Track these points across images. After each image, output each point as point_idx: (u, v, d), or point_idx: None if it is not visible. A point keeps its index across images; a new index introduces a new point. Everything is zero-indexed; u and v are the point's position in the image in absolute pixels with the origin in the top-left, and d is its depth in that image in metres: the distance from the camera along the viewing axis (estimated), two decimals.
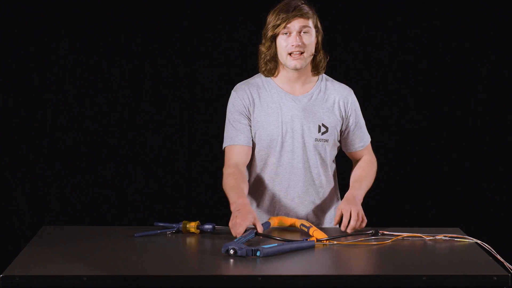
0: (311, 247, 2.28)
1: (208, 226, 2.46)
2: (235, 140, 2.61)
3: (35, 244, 2.29)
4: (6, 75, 3.78)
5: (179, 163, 3.93)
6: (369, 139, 2.75)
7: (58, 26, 3.78)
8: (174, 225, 2.46)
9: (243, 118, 2.63)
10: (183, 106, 3.90)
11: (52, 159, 3.85)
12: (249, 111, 2.63)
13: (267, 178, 2.66)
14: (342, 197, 2.67)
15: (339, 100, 2.66)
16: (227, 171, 2.58)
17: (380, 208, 3.95)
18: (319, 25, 2.61)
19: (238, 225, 2.33)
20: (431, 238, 2.36)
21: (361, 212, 2.48)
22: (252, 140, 2.65)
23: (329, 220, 2.72)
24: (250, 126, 2.63)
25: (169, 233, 2.45)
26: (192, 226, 2.45)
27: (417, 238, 2.36)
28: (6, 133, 3.80)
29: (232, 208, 2.43)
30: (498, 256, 2.20)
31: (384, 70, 3.93)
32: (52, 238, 2.37)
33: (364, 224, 2.47)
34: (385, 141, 3.97)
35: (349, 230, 2.44)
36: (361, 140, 2.72)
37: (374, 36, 3.90)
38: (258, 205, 2.70)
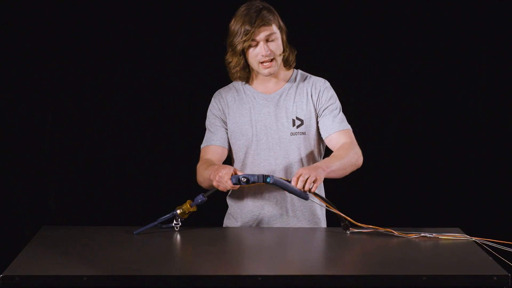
0: (304, 198, 2.42)
1: (198, 197, 2.47)
2: (209, 142, 2.70)
3: (35, 244, 2.29)
4: (6, 75, 3.79)
5: (179, 163, 3.93)
6: (348, 127, 2.67)
7: (58, 26, 3.78)
8: (169, 215, 2.46)
9: (218, 121, 2.70)
10: (183, 106, 3.90)
11: (52, 159, 3.85)
12: (224, 114, 2.71)
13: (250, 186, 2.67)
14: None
15: (311, 90, 2.69)
16: (199, 164, 2.67)
17: (380, 208, 3.95)
18: (281, 23, 2.64)
19: (224, 176, 2.40)
20: (403, 235, 2.36)
21: (314, 176, 2.39)
22: (230, 144, 2.71)
23: (314, 217, 2.71)
24: (226, 129, 2.70)
25: (176, 228, 2.45)
26: (187, 207, 2.45)
27: (391, 234, 2.37)
28: (6, 133, 3.80)
29: (211, 176, 2.47)
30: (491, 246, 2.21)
31: (383, 69, 3.93)
32: (52, 238, 2.37)
33: (312, 188, 2.39)
34: (384, 141, 3.97)
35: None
36: (334, 123, 2.65)
37: (370, 35, 3.90)
38: (240, 207, 2.71)
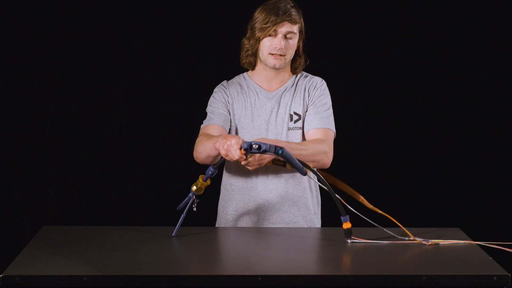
0: (302, 174, 2.41)
1: (209, 170, 2.44)
2: (210, 121, 2.70)
3: (35, 244, 2.29)
4: (6, 75, 3.79)
5: (179, 163, 3.93)
6: (332, 128, 2.69)
7: (58, 26, 3.78)
8: (187, 198, 2.44)
9: (221, 106, 2.72)
10: (183, 106, 3.90)
11: (52, 159, 3.85)
12: (228, 102, 2.73)
13: (244, 172, 2.69)
14: (321, 196, 2.76)
15: (309, 87, 2.73)
16: (199, 138, 2.65)
17: (379, 207, 3.95)
18: (303, 29, 2.70)
19: (233, 145, 2.36)
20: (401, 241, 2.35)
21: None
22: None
23: (307, 212, 2.73)
24: (228, 115, 2.70)
25: (194, 208, 2.45)
26: (201, 182, 2.44)
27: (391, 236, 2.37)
28: (6, 133, 3.80)
29: (216, 144, 2.44)
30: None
31: (382, 70, 3.93)
32: (52, 238, 2.37)
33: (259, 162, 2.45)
34: (384, 141, 3.97)
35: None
36: (316, 119, 2.67)
37: (369, 35, 3.91)
38: (236, 201, 2.72)
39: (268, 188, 2.68)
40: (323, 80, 2.76)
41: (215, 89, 2.78)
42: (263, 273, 2.02)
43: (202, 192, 2.45)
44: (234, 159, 2.40)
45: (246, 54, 2.70)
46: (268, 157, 2.48)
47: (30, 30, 3.76)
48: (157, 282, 1.98)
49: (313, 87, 2.72)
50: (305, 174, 2.42)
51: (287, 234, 2.54)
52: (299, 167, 2.40)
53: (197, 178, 2.45)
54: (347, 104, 3.86)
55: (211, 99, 2.76)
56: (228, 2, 3.80)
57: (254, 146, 2.34)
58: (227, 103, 2.72)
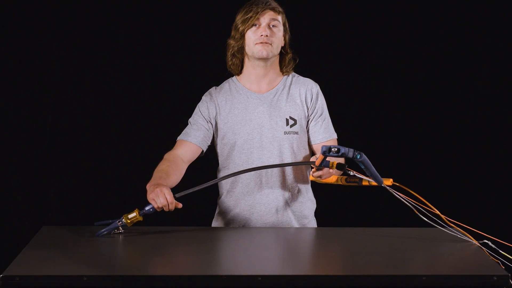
0: (379, 183, 2.40)
1: (148, 208, 2.44)
2: (187, 137, 2.69)
3: (35, 244, 2.29)
4: (6, 75, 3.79)
5: None
6: (335, 136, 2.73)
7: (58, 26, 3.78)
8: (115, 221, 2.42)
9: (202, 120, 2.70)
10: (183, 106, 3.90)
11: (52, 159, 3.85)
12: (212, 116, 2.70)
13: (240, 178, 2.68)
14: (316, 196, 2.78)
15: (305, 92, 2.71)
16: (166, 156, 2.67)
17: (380, 207, 3.95)
18: (287, 25, 2.69)
19: (159, 194, 2.40)
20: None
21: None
22: (217, 145, 2.71)
23: (301, 215, 2.73)
24: (207, 131, 2.69)
25: (116, 231, 2.42)
26: (135, 216, 2.43)
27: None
28: (6, 133, 3.80)
29: (148, 185, 2.48)
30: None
31: (380, 70, 3.93)
32: (52, 238, 2.37)
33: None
34: (385, 141, 3.97)
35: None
36: (325, 132, 2.70)
37: (367, 35, 3.91)
38: (232, 206, 2.72)
39: (264, 191, 2.67)
40: (317, 84, 2.74)
41: (202, 98, 2.75)
42: (263, 273, 2.02)
43: (131, 225, 2.43)
44: (161, 206, 2.41)
45: (231, 53, 2.69)
46: (336, 172, 2.49)
47: (30, 30, 3.76)
48: (157, 282, 1.98)
49: (310, 94, 2.70)
50: (381, 183, 2.39)
51: (287, 234, 2.54)
52: (376, 174, 2.36)
53: (133, 210, 2.44)
54: (346, 104, 3.87)
55: (196, 109, 2.74)
56: (228, 2, 3.80)
57: (333, 149, 2.26)
58: (210, 117, 2.70)
